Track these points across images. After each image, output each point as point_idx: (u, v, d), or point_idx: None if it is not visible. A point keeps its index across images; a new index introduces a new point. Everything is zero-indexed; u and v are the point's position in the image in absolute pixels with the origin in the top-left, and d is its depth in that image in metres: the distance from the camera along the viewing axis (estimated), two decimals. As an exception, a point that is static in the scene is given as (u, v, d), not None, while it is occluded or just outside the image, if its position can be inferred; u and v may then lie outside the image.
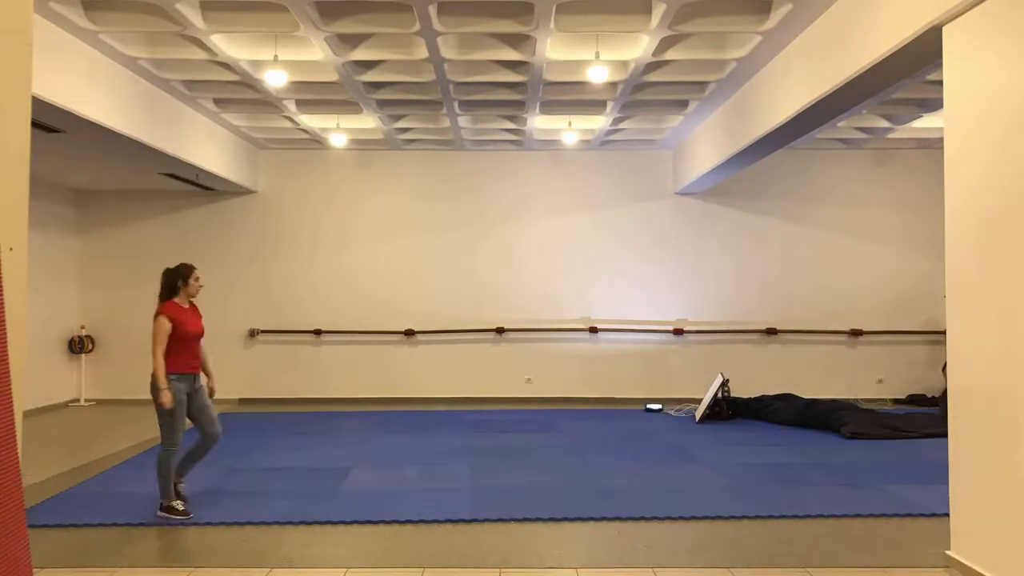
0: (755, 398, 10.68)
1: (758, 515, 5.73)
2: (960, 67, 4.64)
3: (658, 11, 6.55)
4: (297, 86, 8.62)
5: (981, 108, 4.44)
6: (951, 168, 4.72)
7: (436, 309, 12.09)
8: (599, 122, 10.38)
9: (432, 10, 6.52)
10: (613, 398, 11.89)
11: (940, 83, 4.90)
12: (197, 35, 7.04)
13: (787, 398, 10.58)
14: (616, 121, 10.32)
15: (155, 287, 5.93)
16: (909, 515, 5.57)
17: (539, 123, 10.45)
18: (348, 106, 9.54)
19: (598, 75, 7.94)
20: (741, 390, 11.23)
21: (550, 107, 9.62)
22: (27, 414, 6.54)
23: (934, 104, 9.23)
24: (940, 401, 5.74)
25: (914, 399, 11.63)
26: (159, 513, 5.70)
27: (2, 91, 2.45)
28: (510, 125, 10.60)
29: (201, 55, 7.57)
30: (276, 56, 7.47)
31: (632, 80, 8.33)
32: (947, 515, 4.76)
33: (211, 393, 5.99)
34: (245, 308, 12.13)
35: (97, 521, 5.59)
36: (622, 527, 5.48)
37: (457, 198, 12.24)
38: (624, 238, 12.12)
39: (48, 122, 7.29)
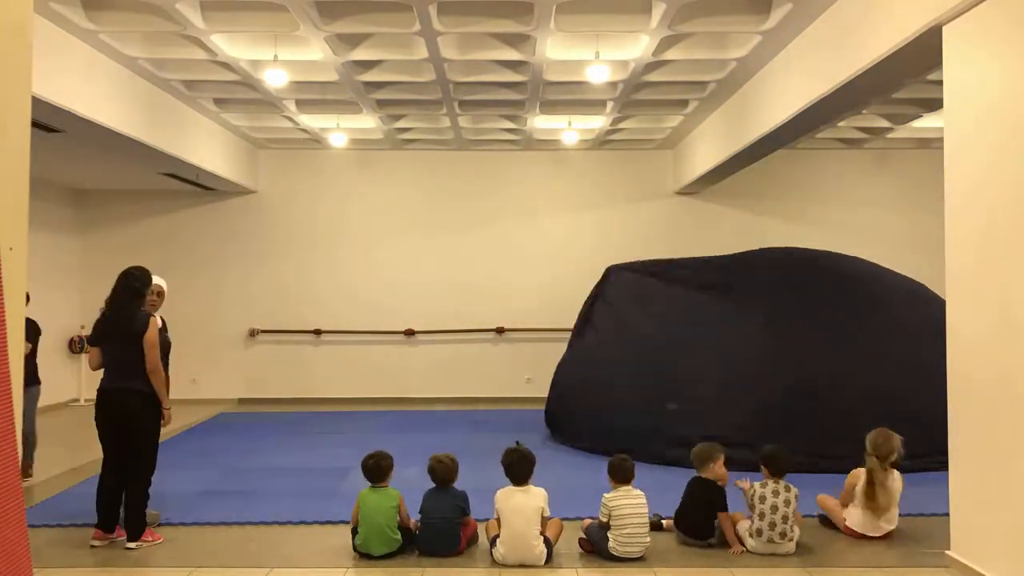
0: None
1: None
2: (960, 67, 4.64)
3: (658, 11, 6.54)
4: (297, 86, 8.62)
5: (981, 108, 4.44)
6: (951, 168, 4.72)
7: (436, 309, 12.09)
8: (599, 122, 10.38)
9: (432, 10, 6.52)
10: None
11: (940, 83, 4.90)
12: (197, 35, 7.03)
13: None
14: (616, 121, 10.32)
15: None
16: (909, 515, 5.56)
17: (539, 123, 10.45)
18: (348, 106, 9.54)
19: (598, 75, 7.94)
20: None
21: (550, 107, 9.62)
22: (27, 414, 6.52)
23: (934, 104, 9.22)
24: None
25: None
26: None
27: (2, 91, 2.45)
28: (510, 125, 10.60)
29: (201, 55, 7.56)
30: (276, 56, 7.47)
31: (632, 80, 8.33)
32: (947, 515, 4.76)
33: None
34: (245, 308, 12.12)
35: (97, 521, 5.57)
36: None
37: (457, 198, 12.23)
38: (624, 238, 12.11)
39: (48, 122, 7.29)
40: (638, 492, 4.95)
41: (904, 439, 5.24)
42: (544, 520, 4.84)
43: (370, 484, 5.07)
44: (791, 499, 4.96)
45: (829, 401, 7.13)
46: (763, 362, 7.51)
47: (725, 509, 5.06)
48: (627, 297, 9.05)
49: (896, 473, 5.27)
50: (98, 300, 13.32)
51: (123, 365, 5.13)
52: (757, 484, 5.06)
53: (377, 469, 5.07)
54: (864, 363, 7.32)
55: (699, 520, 5.10)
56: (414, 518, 5.07)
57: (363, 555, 4.89)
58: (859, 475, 5.36)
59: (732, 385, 7.42)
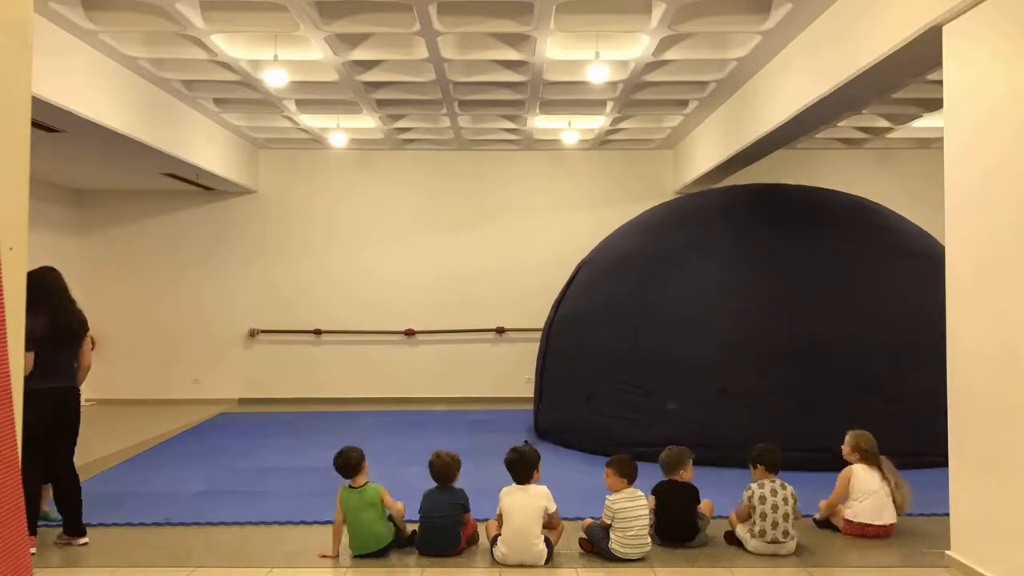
0: None
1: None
2: (960, 67, 4.64)
3: (658, 11, 6.55)
4: (297, 86, 8.62)
5: (981, 108, 4.44)
6: (951, 168, 4.72)
7: (436, 309, 12.09)
8: (599, 122, 10.38)
9: (432, 10, 6.52)
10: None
11: (940, 83, 4.90)
12: (197, 35, 7.03)
13: None
14: (616, 121, 10.32)
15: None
16: (909, 515, 5.55)
17: (539, 123, 10.46)
18: (348, 106, 9.54)
19: (598, 75, 7.94)
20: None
21: (550, 107, 9.62)
22: (27, 414, 6.43)
23: (934, 104, 9.22)
24: None
25: None
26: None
27: (2, 91, 2.45)
28: (510, 125, 10.60)
29: (201, 55, 7.56)
30: (276, 56, 7.47)
31: (632, 80, 8.33)
32: (947, 515, 4.76)
33: None
34: (245, 308, 12.12)
35: (97, 521, 5.57)
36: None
37: (457, 198, 12.23)
38: (624, 238, 12.11)
39: (48, 122, 7.29)
40: (640, 494, 4.94)
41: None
42: (552, 516, 4.82)
43: (348, 483, 5.05)
44: (789, 497, 4.96)
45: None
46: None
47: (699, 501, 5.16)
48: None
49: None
50: (99, 300, 13.23)
51: (67, 365, 5.25)
52: (754, 485, 5.05)
53: (345, 467, 5.11)
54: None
55: (687, 522, 5.06)
56: (413, 518, 5.06)
57: (357, 556, 4.90)
58: (851, 473, 5.37)
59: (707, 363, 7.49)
